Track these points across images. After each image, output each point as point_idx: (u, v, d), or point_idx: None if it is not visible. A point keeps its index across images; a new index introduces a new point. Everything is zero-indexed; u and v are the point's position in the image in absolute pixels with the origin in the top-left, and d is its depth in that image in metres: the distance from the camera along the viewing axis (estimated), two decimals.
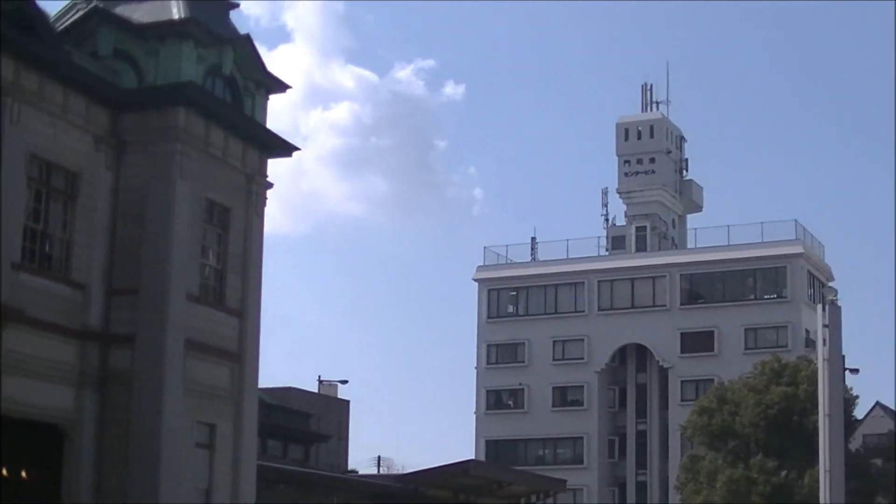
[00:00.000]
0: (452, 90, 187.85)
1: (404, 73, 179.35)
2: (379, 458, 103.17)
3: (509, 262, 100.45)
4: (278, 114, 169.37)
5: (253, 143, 34.23)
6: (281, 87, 35.62)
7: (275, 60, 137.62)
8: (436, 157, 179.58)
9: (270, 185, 35.06)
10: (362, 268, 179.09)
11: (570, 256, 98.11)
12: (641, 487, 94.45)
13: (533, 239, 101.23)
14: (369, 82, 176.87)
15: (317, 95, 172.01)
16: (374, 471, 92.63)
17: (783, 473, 63.96)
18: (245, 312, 33.43)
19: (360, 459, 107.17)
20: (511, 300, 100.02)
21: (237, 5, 35.29)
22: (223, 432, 32.40)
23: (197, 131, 32.03)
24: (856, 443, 70.96)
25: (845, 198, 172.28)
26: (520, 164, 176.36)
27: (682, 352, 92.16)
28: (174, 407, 30.32)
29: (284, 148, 35.56)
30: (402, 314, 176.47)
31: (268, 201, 34.98)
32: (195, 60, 32.22)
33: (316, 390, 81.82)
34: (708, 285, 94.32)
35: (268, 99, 35.36)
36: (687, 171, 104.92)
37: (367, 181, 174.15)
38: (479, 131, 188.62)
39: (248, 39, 34.12)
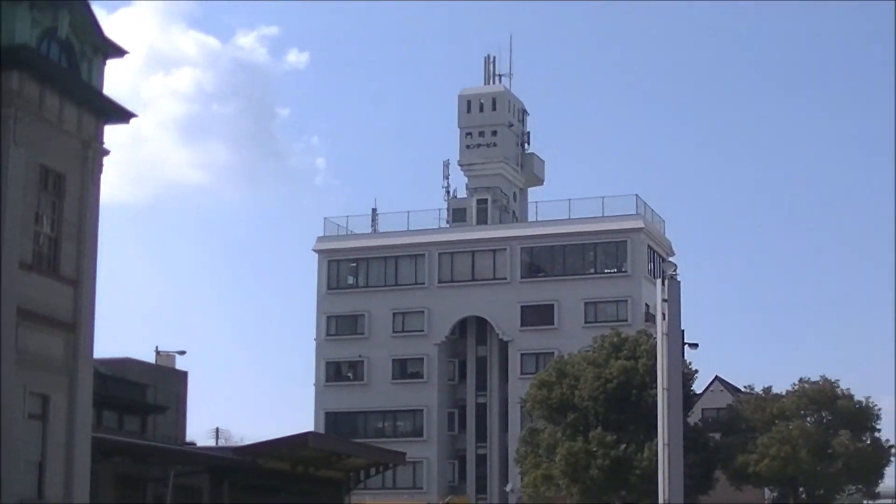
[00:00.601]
0: (296, 58, 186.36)
1: (247, 40, 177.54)
2: (217, 429, 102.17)
3: (350, 233, 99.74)
4: (118, 79, 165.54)
5: (89, 108, 33.12)
6: (119, 52, 34.54)
7: (115, 24, 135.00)
8: (278, 125, 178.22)
9: (107, 152, 33.96)
10: (203, 237, 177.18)
11: (411, 228, 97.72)
12: (481, 460, 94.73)
13: (374, 210, 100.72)
14: (211, 49, 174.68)
15: (158, 61, 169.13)
16: (212, 442, 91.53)
17: (622, 447, 64.33)
18: (80, 281, 32.39)
19: (199, 431, 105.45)
20: (351, 272, 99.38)
21: None
22: (57, 404, 31.45)
23: (31, 96, 30.84)
24: (694, 416, 71.94)
25: (685, 173, 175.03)
26: (362, 134, 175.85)
27: (523, 325, 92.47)
28: (8, 377, 29.18)
29: (121, 114, 34.48)
30: (242, 284, 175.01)
31: (107, 168, 33.92)
32: (29, 23, 31.03)
33: (153, 361, 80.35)
34: (548, 259, 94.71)
35: (105, 64, 34.25)
36: (529, 144, 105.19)
37: (209, 149, 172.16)
38: (323, 100, 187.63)
39: (84, 2, 32.97)
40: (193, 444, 69.09)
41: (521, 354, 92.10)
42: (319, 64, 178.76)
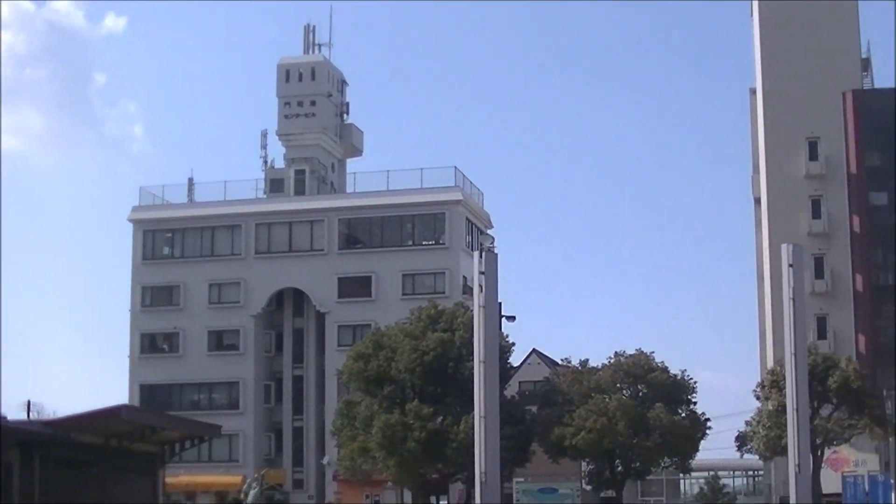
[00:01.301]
0: (113, 23, 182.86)
1: (63, 4, 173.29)
2: (29, 402, 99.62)
3: (166, 202, 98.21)
4: None
5: None
6: None
7: None
8: (94, 91, 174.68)
9: None
10: (15, 204, 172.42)
11: (228, 199, 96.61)
12: (298, 433, 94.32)
13: (190, 180, 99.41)
14: (24, 11, 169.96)
15: None
16: (23, 416, 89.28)
17: (439, 419, 64.28)
18: None
19: (10, 404, 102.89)
20: (167, 242, 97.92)
21: None
22: None
23: None
24: (511, 389, 72.19)
25: (504, 147, 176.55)
26: (181, 102, 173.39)
27: (340, 297, 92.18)
28: None
29: None
30: (55, 254, 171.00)
31: None
32: None
33: None
34: (366, 230, 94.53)
35: None
36: (348, 114, 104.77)
37: (21, 114, 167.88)
38: (141, 67, 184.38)
39: None
40: (4, 417, 67.42)
41: (339, 326, 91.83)
42: (137, 29, 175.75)
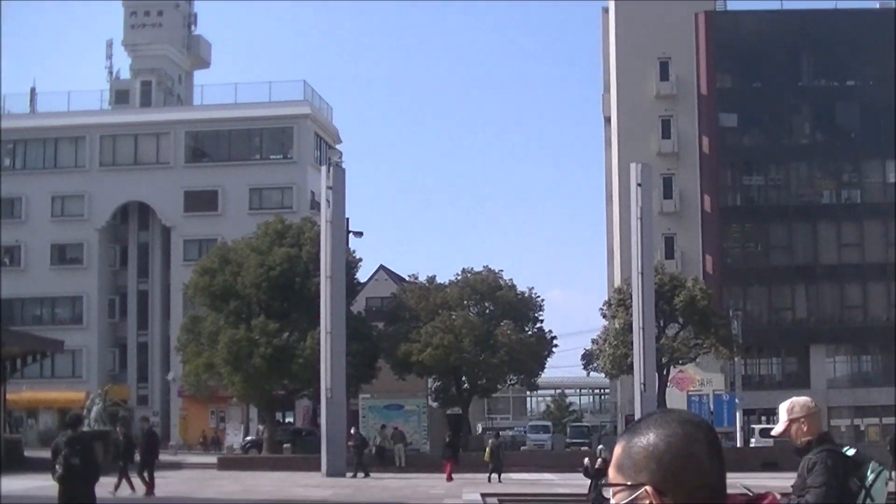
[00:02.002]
0: None
1: None
2: None
3: (7, 113, 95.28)
4: None
5: None
6: None
7: None
8: None
9: None
10: None
11: (72, 110, 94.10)
12: (143, 348, 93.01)
13: (32, 89, 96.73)
14: None
15: None
16: None
17: (285, 335, 63.76)
18: None
19: None
20: (7, 153, 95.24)
21: None
22: None
23: None
24: (358, 305, 71.83)
25: (353, 62, 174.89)
26: (22, 8, 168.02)
27: (186, 211, 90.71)
28: None
29: None
30: None
31: None
32: None
33: None
34: (213, 144, 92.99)
35: None
36: (196, 26, 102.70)
37: None
38: None
39: None
40: None
41: (185, 241, 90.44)
42: None
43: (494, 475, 47.78)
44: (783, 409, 8.60)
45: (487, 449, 50.46)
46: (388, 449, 58.14)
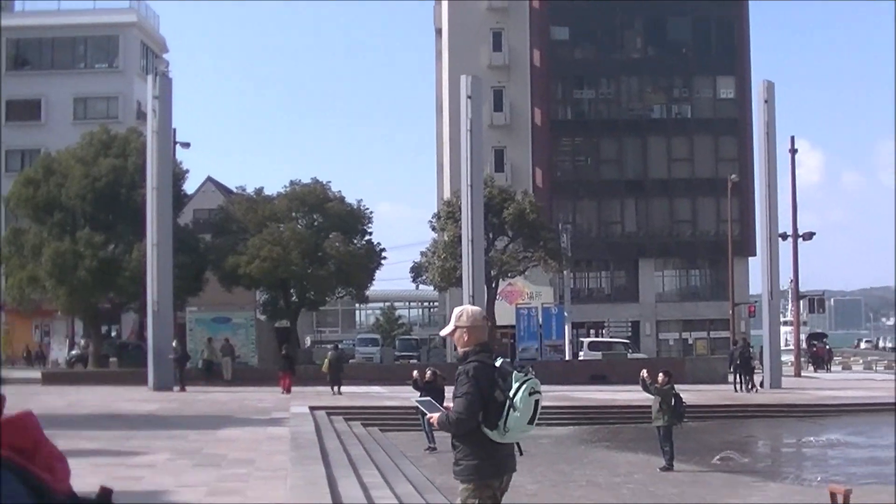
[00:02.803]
0: None
1: None
2: None
3: None
4: None
5: None
6: None
7: None
8: None
9: None
10: None
11: None
12: None
13: None
14: None
15: None
16: None
17: (111, 247, 62.72)
18: None
19: None
20: None
21: None
22: None
23: None
24: (185, 217, 70.80)
25: None
26: None
27: (8, 120, 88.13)
28: None
29: None
30: None
31: None
32: None
33: None
34: (36, 51, 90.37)
35: None
36: None
37: None
38: None
39: None
40: None
41: (6, 151, 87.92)
42: None
43: (336, 388, 48.01)
44: (454, 315, 9.03)
45: (326, 360, 50.60)
46: (216, 362, 57.74)
